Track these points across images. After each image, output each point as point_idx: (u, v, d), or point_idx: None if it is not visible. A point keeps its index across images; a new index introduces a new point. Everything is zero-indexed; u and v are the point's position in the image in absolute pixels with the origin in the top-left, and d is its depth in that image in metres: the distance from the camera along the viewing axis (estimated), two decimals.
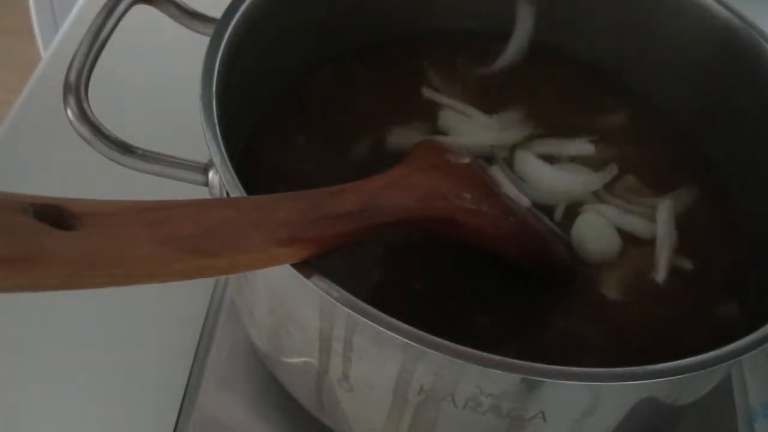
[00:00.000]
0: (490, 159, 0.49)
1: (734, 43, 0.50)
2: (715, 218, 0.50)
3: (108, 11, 0.42)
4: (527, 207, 0.45)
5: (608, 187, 0.50)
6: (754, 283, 0.47)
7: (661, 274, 0.46)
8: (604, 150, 0.52)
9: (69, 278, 0.28)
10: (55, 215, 0.28)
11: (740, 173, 0.51)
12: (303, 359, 0.40)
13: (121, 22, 0.43)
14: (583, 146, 0.51)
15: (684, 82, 0.54)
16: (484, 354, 0.32)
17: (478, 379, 0.34)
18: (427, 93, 0.54)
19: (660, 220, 0.48)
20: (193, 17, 0.46)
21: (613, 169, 0.50)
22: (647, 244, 0.48)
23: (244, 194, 0.36)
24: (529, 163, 0.50)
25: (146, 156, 0.40)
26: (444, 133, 0.51)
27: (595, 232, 0.47)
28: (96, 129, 0.39)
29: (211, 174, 0.41)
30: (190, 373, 0.50)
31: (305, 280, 0.34)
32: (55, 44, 0.69)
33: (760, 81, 0.49)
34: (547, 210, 0.48)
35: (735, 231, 0.50)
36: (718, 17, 0.51)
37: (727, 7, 0.51)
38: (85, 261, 0.28)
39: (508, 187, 0.46)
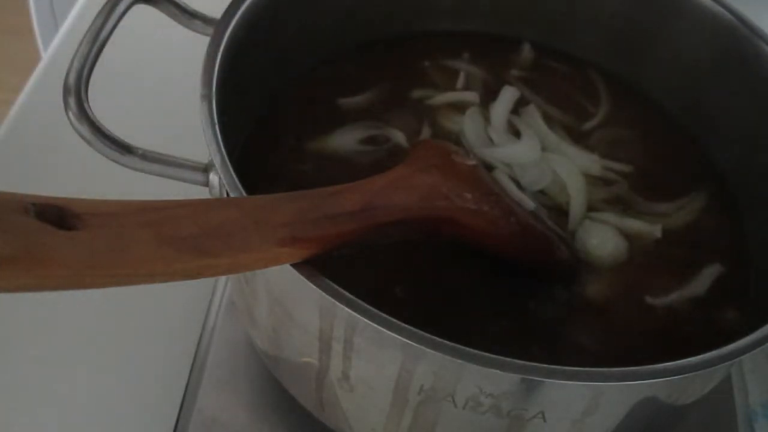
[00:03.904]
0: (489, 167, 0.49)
1: (733, 43, 0.51)
2: (715, 220, 0.50)
3: (108, 11, 0.42)
4: (531, 210, 0.45)
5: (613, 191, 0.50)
6: (754, 284, 0.47)
7: (659, 303, 0.46)
8: (605, 152, 0.52)
9: (70, 278, 0.28)
10: (56, 215, 0.28)
11: (742, 175, 0.51)
12: (303, 359, 0.40)
13: (121, 22, 0.43)
14: (582, 155, 0.51)
15: (684, 82, 0.54)
16: (484, 354, 0.32)
17: (478, 379, 0.34)
18: (425, 93, 0.54)
19: (702, 276, 0.47)
20: (193, 17, 0.46)
21: (620, 186, 0.50)
22: (650, 246, 0.48)
23: (244, 194, 0.36)
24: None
25: (146, 156, 0.40)
26: (443, 132, 0.51)
27: (600, 235, 0.47)
28: (96, 129, 0.39)
29: (211, 174, 0.41)
30: (190, 373, 0.50)
31: (305, 280, 0.34)
32: (55, 44, 0.69)
33: (759, 80, 0.49)
34: (549, 209, 0.48)
35: (736, 233, 0.50)
36: (717, 17, 0.51)
37: (726, 8, 0.51)
38: (86, 261, 0.28)
39: (513, 190, 0.46)
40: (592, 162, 0.51)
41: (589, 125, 0.54)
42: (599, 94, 0.56)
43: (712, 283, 0.47)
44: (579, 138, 0.53)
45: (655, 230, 0.48)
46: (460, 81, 0.55)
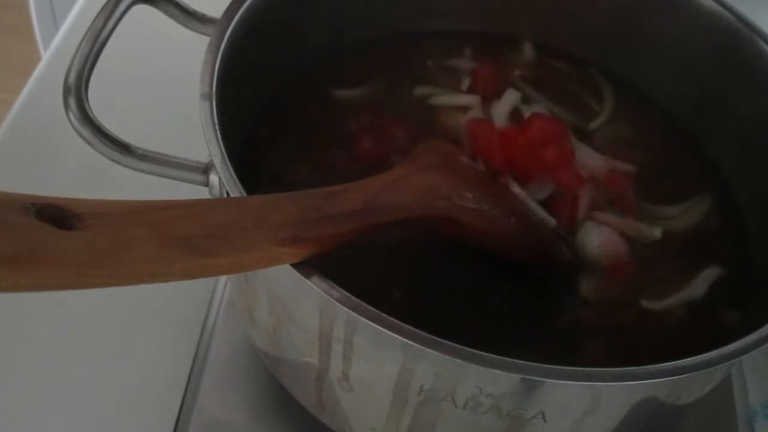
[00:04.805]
0: None
1: (733, 43, 0.51)
2: (716, 221, 0.50)
3: (108, 11, 0.42)
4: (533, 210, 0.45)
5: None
6: (755, 284, 0.47)
7: (656, 306, 0.46)
8: (607, 152, 0.52)
9: (71, 278, 0.28)
10: (56, 215, 0.28)
11: (743, 175, 0.51)
12: (303, 359, 0.40)
13: (121, 22, 0.43)
14: (587, 155, 0.51)
15: (684, 82, 0.54)
16: (484, 354, 0.32)
17: (478, 379, 0.34)
18: (427, 92, 0.54)
19: (700, 279, 0.47)
20: (193, 17, 0.46)
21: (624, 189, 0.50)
22: (651, 248, 0.48)
23: (244, 194, 0.36)
24: None
25: (146, 156, 0.40)
26: (444, 132, 0.51)
27: (600, 237, 0.47)
28: (96, 129, 0.39)
29: (211, 174, 0.41)
30: (190, 373, 0.50)
31: (305, 280, 0.34)
32: (55, 44, 0.69)
33: (760, 80, 0.49)
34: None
35: (737, 234, 0.50)
36: (717, 17, 0.51)
37: (726, 8, 0.51)
38: (86, 261, 0.28)
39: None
40: (597, 162, 0.51)
41: (594, 124, 0.54)
42: (602, 93, 0.56)
43: (711, 285, 0.47)
44: (582, 138, 0.52)
45: (655, 232, 0.48)
46: (464, 83, 0.55)
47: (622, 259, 0.47)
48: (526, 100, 0.54)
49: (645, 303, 0.45)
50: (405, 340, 0.33)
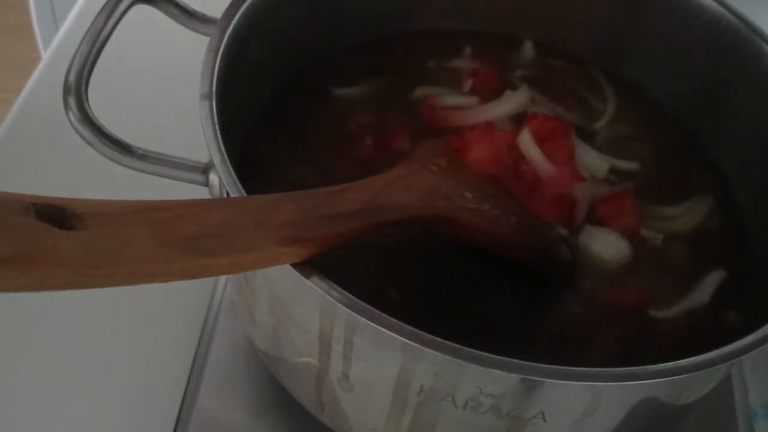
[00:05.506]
0: None
1: (733, 43, 0.51)
2: (718, 222, 0.50)
3: (108, 11, 0.42)
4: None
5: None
6: (756, 285, 0.47)
7: (665, 314, 0.45)
8: (609, 152, 0.52)
9: (71, 278, 0.28)
10: (57, 215, 0.28)
11: (744, 174, 0.51)
12: (303, 359, 0.40)
13: (121, 22, 0.43)
14: (589, 154, 0.51)
15: (684, 82, 0.54)
16: (484, 354, 0.32)
17: (478, 379, 0.34)
18: (427, 92, 0.54)
19: (706, 283, 0.47)
20: (193, 17, 0.46)
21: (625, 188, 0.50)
22: (653, 250, 0.48)
23: (244, 194, 0.36)
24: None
25: (146, 156, 0.40)
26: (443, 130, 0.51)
27: (602, 238, 0.46)
28: (96, 129, 0.39)
29: (211, 174, 0.41)
30: (190, 373, 0.50)
31: (305, 280, 0.34)
32: (55, 44, 0.69)
33: (759, 80, 0.49)
34: None
35: (738, 235, 0.50)
36: (717, 17, 0.51)
37: (726, 7, 0.51)
38: (86, 261, 0.28)
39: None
40: (598, 162, 0.50)
41: (598, 124, 0.54)
42: (604, 93, 0.56)
43: (715, 289, 0.47)
44: (585, 137, 0.52)
45: (656, 238, 0.48)
46: (466, 84, 0.55)
47: (624, 261, 0.46)
48: (528, 100, 0.54)
49: (651, 304, 0.45)
50: (405, 340, 0.33)
